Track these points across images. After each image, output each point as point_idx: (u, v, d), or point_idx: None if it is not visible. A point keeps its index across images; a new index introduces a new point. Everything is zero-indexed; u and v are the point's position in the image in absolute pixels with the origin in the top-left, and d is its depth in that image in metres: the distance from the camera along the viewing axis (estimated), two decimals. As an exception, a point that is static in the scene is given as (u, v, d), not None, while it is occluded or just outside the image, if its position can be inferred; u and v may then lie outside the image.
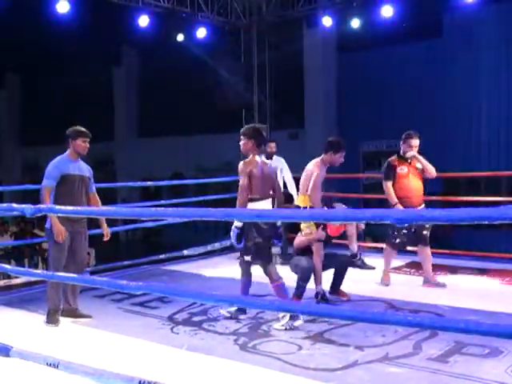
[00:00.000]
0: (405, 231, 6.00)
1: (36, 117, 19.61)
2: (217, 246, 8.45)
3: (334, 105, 14.85)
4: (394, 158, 6.15)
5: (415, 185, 6.06)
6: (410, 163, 6.06)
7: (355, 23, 8.84)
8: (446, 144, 12.47)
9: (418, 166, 6.08)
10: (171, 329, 4.77)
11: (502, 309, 4.94)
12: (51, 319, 4.95)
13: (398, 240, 6.05)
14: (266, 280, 6.46)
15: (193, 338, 4.52)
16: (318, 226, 5.26)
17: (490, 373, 3.67)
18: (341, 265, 5.59)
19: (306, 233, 5.34)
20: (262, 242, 4.84)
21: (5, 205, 3.54)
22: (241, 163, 4.89)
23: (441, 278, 6.45)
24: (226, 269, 7.30)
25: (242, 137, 4.98)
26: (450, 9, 10.55)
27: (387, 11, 8.28)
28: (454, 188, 10.97)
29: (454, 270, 6.77)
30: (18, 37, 13.83)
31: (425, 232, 6.03)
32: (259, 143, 4.93)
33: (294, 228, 8.17)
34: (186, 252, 7.99)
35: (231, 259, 8.02)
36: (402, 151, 6.11)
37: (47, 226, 5.05)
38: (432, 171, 6.11)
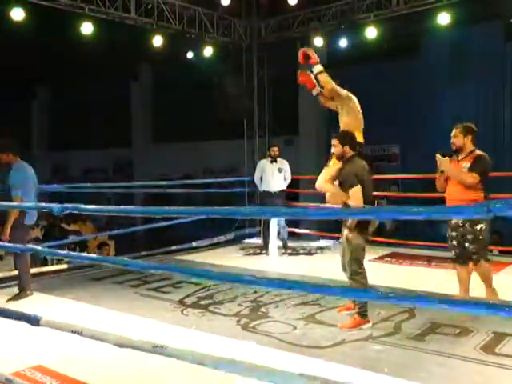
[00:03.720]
0: (454, 242, 4.50)
1: (64, 125, 19.55)
2: (221, 238, 8.45)
3: (325, 115, 14.80)
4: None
5: (453, 187, 4.44)
6: (458, 161, 4.48)
7: (343, 43, 8.83)
8: (429, 147, 12.45)
9: (464, 164, 4.41)
10: (181, 311, 4.77)
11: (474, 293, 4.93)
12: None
13: (452, 252, 4.59)
14: (266, 268, 6.50)
15: (200, 319, 4.51)
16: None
17: (460, 350, 3.67)
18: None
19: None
20: None
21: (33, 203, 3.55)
22: None
23: (420, 267, 6.45)
24: (229, 258, 7.30)
25: None
26: (427, 31, 10.54)
27: (371, 32, 8.25)
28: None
29: (431, 259, 6.70)
30: (49, 54, 13.82)
31: (467, 244, 4.38)
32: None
33: (293, 223, 8.27)
34: (194, 244, 7.98)
35: (234, 250, 8.05)
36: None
37: None
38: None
